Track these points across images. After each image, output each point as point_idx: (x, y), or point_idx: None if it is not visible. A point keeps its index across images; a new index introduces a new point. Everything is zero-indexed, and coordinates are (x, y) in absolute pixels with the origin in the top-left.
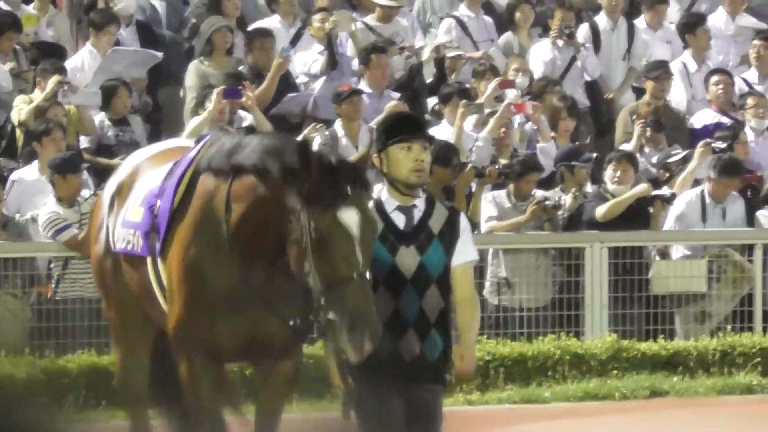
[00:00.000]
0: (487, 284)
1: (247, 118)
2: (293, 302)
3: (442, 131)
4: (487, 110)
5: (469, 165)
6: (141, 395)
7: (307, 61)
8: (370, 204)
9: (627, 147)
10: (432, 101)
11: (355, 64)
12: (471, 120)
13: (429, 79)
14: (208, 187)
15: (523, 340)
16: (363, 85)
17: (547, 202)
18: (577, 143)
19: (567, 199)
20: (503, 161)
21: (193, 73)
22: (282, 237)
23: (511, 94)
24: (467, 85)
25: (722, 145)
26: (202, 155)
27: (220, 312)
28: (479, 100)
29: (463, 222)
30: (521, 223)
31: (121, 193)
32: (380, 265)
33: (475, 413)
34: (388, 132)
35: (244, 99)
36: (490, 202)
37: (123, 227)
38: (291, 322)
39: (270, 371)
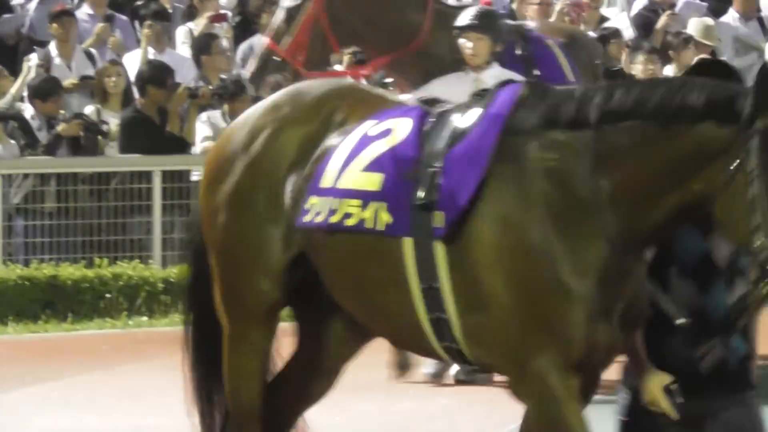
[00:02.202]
0: None
1: None
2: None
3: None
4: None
5: (182, 86)
6: (255, 412)
7: None
8: None
9: None
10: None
11: None
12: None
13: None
14: (551, 147)
15: None
16: (85, 7)
17: None
18: None
19: None
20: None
21: None
22: (684, 203)
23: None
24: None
25: None
26: (521, 109)
27: (583, 307)
28: (196, 22)
29: None
30: None
31: None
32: (690, 250)
33: None
34: None
35: None
36: (205, 122)
37: (325, 196)
38: (681, 320)
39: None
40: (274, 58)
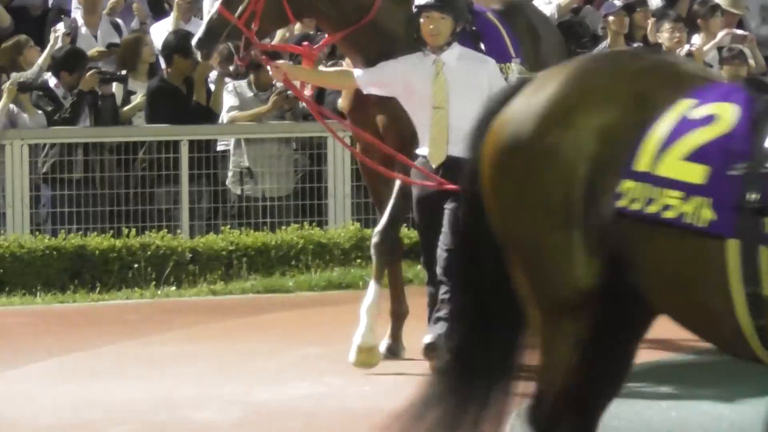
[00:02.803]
0: (229, 174)
1: None
2: None
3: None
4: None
5: None
6: (562, 399)
7: None
8: None
9: None
10: None
11: None
12: None
13: None
14: None
15: (266, 229)
16: None
17: (288, 92)
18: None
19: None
20: None
21: None
22: None
23: None
24: None
25: None
26: None
27: None
28: None
29: None
30: (263, 113)
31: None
32: None
33: (218, 303)
34: None
35: None
36: (231, 92)
37: (640, 181)
38: None
39: None
40: (225, 25)
